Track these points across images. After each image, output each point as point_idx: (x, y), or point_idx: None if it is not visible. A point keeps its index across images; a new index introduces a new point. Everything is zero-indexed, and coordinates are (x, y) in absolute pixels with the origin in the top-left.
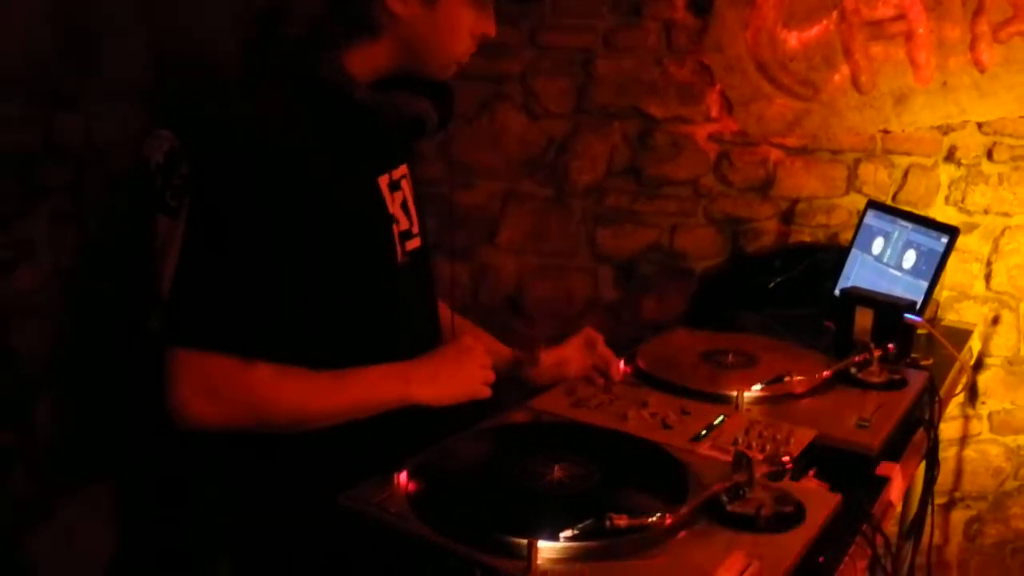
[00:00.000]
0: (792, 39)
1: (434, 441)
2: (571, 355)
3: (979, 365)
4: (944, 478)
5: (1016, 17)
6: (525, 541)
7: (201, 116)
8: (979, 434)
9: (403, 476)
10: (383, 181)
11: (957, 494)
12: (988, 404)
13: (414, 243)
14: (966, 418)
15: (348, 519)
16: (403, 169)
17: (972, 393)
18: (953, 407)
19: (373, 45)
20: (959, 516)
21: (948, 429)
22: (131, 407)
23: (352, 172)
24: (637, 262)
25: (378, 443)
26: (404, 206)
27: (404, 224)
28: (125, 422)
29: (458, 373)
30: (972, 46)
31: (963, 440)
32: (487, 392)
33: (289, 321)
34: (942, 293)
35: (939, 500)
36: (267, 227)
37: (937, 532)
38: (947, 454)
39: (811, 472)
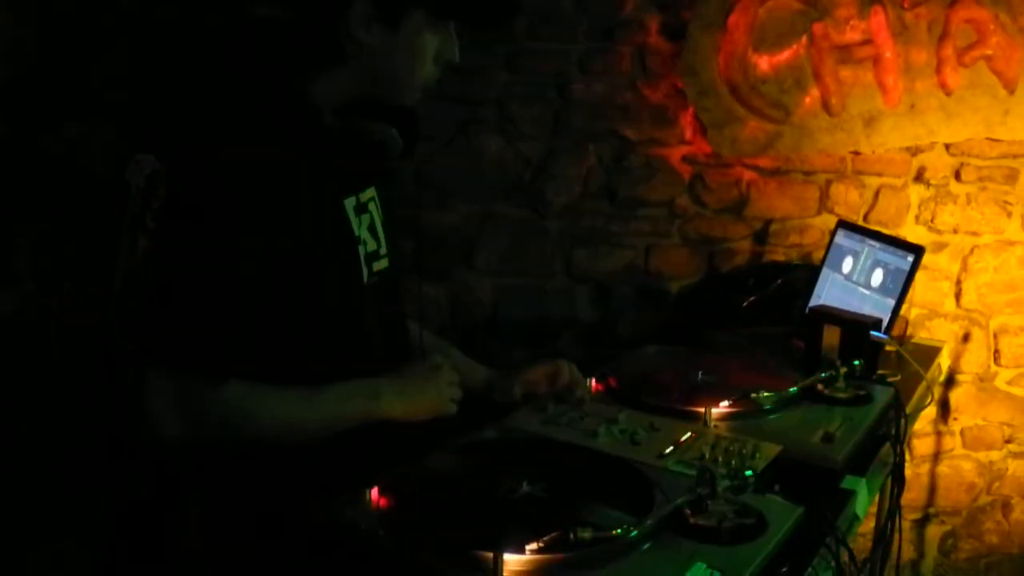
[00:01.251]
0: (763, 63)
1: (406, 457)
2: (538, 380)
3: (951, 382)
4: (918, 494)
5: (980, 42)
6: (491, 554)
7: (180, 139)
8: (952, 450)
9: (374, 492)
10: (349, 203)
11: (931, 510)
12: (960, 420)
13: (381, 264)
14: (939, 434)
15: (319, 534)
16: (370, 192)
17: (944, 409)
18: (926, 424)
19: (339, 71)
20: (934, 531)
21: (921, 445)
22: (110, 429)
23: (318, 194)
24: (613, 282)
25: (350, 459)
26: (371, 228)
27: (372, 246)
28: (105, 444)
29: (426, 390)
30: (938, 69)
31: (936, 456)
32: (454, 409)
33: (258, 339)
34: (912, 311)
35: (913, 516)
36: (234, 245)
37: (912, 547)
38: (920, 470)
39: (776, 486)
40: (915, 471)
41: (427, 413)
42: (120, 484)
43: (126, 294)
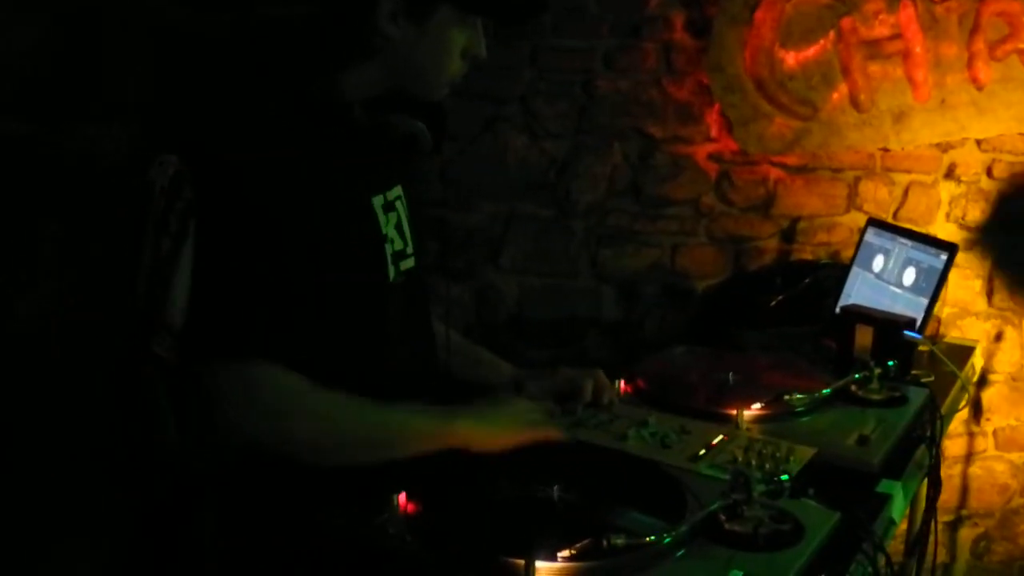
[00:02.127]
0: (790, 58)
1: (432, 463)
2: (563, 388)
3: (983, 382)
4: (950, 496)
5: (1012, 35)
6: (522, 562)
7: (204, 138)
8: (984, 451)
9: (402, 498)
10: (377, 201)
11: (964, 512)
12: (993, 421)
13: (408, 263)
14: (971, 435)
15: (347, 540)
16: (397, 191)
17: (976, 410)
18: (958, 424)
19: (366, 66)
20: (966, 534)
21: (953, 446)
22: (130, 434)
23: (347, 191)
24: (639, 282)
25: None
26: (398, 227)
27: (399, 244)
28: (123, 449)
29: (507, 426)
30: (969, 64)
31: (968, 457)
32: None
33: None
34: (944, 310)
35: (946, 518)
36: (276, 242)
37: (944, 550)
38: (953, 472)
39: (811, 490)
40: (947, 472)
41: (513, 441)
42: (140, 487)
43: (150, 295)
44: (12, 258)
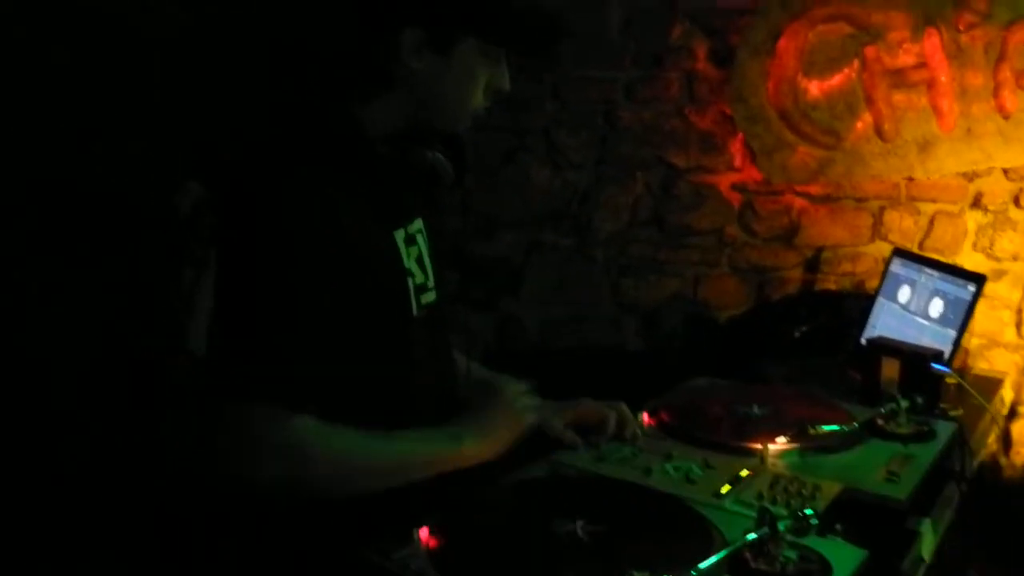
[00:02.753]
0: (814, 88)
1: (456, 495)
2: (584, 422)
3: (1012, 414)
4: None
5: None
6: None
7: (228, 168)
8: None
9: (424, 532)
10: (399, 236)
11: None
12: (1023, 454)
13: (429, 297)
14: (1001, 469)
15: (369, 571)
16: (418, 224)
17: (1007, 443)
18: (986, 457)
19: (389, 98)
20: None
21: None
22: (152, 458)
23: (369, 225)
24: (661, 312)
25: (400, 497)
26: (419, 260)
27: (420, 278)
28: (145, 473)
29: (506, 428)
30: (995, 93)
31: None
32: (533, 418)
33: (329, 370)
34: (971, 341)
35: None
36: (303, 276)
37: None
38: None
39: (838, 527)
40: None
41: (512, 439)
42: (162, 511)
43: (173, 322)
44: (33, 282)
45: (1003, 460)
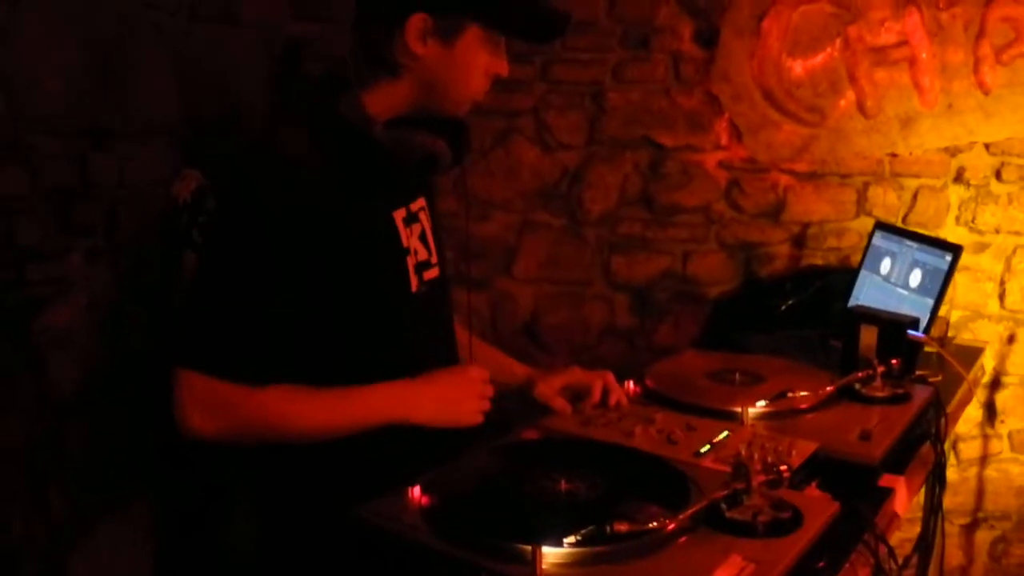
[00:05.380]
0: (797, 67)
1: (448, 458)
2: (571, 387)
3: (997, 384)
4: (966, 498)
5: (1018, 40)
6: (530, 547)
7: (226, 154)
8: (1000, 453)
9: (416, 490)
10: (399, 215)
11: (980, 514)
12: (1008, 423)
13: (432, 273)
14: (986, 437)
15: (366, 531)
16: (421, 202)
17: (991, 412)
18: (972, 427)
19: (392, 84)
20: (983, 537)
21: (968, 449)
22: (159, 433)
23: (368, 206)
24: (651, 289)
25: (395, 459)
26: (423, 238)
27: (423, 255)
28: (154, 446)
29: (458, 401)
30: (975, 69)
31: (984, 460)
32: (480, 420)
33: (300, 347)
34: (953, 313)
35: (962, 521)
36: (277, 257)
37: (961, 553)
38: (968, 474)
39: (814, 483)
40: (962, 475)
41: (454, 423)
42: (168, 486)
43: (178, 307)
44: (45, 270)
45: (988, 429)
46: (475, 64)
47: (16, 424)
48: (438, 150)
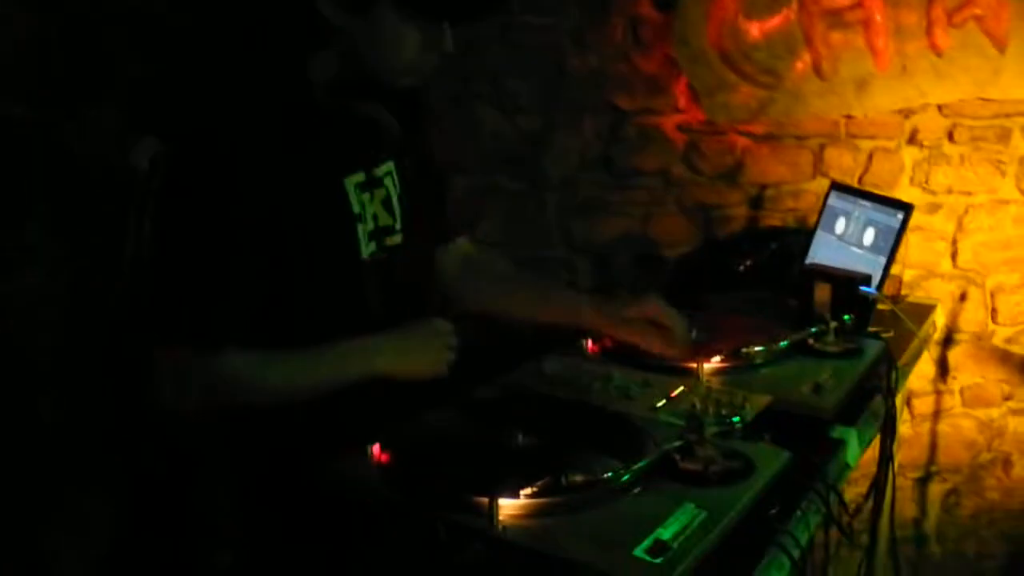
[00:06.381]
0: (754, 29)
1: (407, 416)
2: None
3: (949, 341)
4: (919, 453)
5: (969, 2)
6: (487, 500)
7: (181, 119)
8: (952, 408)
9: (376, 448)
10: (353, 180)
11: (933, 468)
12: (959, 379)
13: (395, 239)
14: (938, 393)
15: (327, 488)
16: (387, 167)
17: (943, 369)
18: (925, 383)
19: (326, 53)
20: (936, 489)
21: (921, 405)
22: (125, 402)
23: (313, 173)
24: (612, 251)
25: (354, 419)
26: (386, 202)
27: (384, 220)
28: (123, 416)
29: (424, 351)
30: (928, 31)
31: (936, 415)
32: (445, 371)
33: (256, 311)
34: (906, 272)
35: (915, 474)
36: (227, 222)
37: (915, 506)
38: (921, 429)
39: (766, 435)
40: (916, 431)
41: (421, 375)
42: (133, 456)
43: (134, 276)
44: (5, 238)
45: (940, 385)
46: (399, 39)
47: None
48: (377, 115)
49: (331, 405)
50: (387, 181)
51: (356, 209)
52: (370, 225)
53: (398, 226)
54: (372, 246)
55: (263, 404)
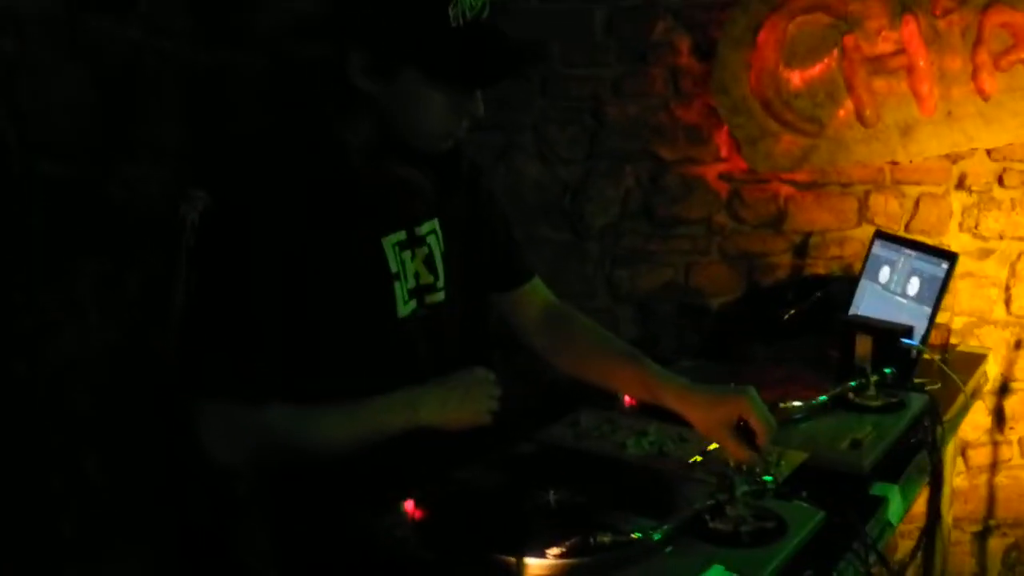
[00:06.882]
0: (795, 78)
1: (443, 470)
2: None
3: (1005, 390)
4: (976, 506)
5: (1016, 46)
6: (514, 559)
7: (228, 175)
8: (1010, 460)
9: (409, 504)
10: (391, 240)
11: (992, 522)
12: (1017, 429)
13: (437, 297)
14: (995, 444)
15: (363, 543)
16: (430, 225)
17: (1000, 419)
18: (981, 434)
19: (359, 116)
20: (996, 544)
21: (978, 456)
22: (171, 459)
23: (349, 232)
24: (654, 300)
25: (393, 473)
26: (428, 261)
27: (426, 279)
28: (167, 472)
29: (467, 401)
30: (974, 75)
31: (994, 467)
32: (487, 420)
33: (300, 365)
34: (957, 320)
35: (973, 528)
36: (257, 278)
37: (974, 561)
38: (978, 481)
39: (803, 493)
40: (972, 483)
41: (465, 423)
42: (180, 509)
43: (183, 327)
44: (51, 295)
45: (998, 435)
46: (428, 103)
47: (32, 448)
48: (412, 177)
49: (378, 452)
50: (431, 239)
51: (394, 268)
52: (410, 283)
53: (440, 283)
54: (412, 304)
55: (307, 456)
